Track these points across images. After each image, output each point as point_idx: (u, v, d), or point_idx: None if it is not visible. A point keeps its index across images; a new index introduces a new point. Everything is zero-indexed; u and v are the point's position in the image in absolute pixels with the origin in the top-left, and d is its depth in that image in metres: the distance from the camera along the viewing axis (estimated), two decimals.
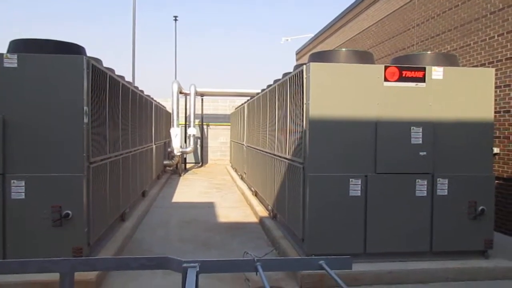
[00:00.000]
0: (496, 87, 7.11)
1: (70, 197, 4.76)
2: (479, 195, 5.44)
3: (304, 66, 5.40)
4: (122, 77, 7.80)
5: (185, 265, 2.04)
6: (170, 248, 6.31)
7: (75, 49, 5.21)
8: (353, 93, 5.22)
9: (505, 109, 7.18)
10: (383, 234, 5.27)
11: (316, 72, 5.16)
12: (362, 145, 5.24)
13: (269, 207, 8.03)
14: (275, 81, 7.96)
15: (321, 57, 5.72)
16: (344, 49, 5.93)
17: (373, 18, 12.88)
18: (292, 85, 6.06)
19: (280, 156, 6.92)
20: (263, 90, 9.42)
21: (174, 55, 27.27)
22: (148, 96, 11.32)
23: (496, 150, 7.20)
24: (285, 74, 7.09)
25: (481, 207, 5.38)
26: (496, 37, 7.49)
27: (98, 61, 6.01)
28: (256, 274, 2.10)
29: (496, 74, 7.06)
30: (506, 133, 7.17)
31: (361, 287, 4.89)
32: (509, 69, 7.15)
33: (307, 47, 20.31)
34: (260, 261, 2.08)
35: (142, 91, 10.16)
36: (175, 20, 30.68)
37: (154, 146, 11.90)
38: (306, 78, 5.30)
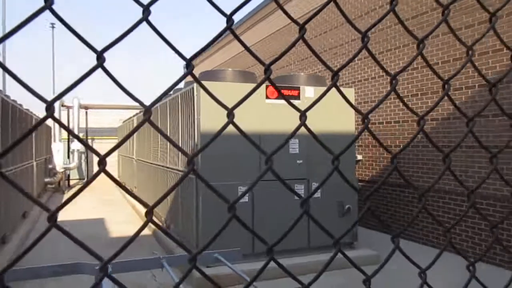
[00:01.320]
0: (357, 104, 8.39)
1: None
2: (346, 197, 6.43)
3: (194, 84, 5.84)
4: (0, 91, 7.36)
5: (98, 267, 2.31)
6: None
7: None
8: (239, 110, 5.77)
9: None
10: (269, 234, 5.90)
11: None
12: (248, 156, 5.84)
13: (163, 219, 8.22)
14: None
15: (210, 75, 6.22)
16: (230, 69, 6.52)
17: (255, 37, 13.90)
18: (184, 101, 6.44)
19: (172, 168, 7.22)
20: None
21: (52, 65, 25.52)
22: (28, 110, 10.65)
23: (359, 157, 8.46)
24: (176, 90, 7.43)
25: (347, 206, 6.36)
26: (356, 61, 8.83)
27: None
28: (162, 270, 2.45)
29: (357, 92, 8.33)
30: (367, 142, 8.47)
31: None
32: (367, 88, 8.49)
33: (195, 61, 20.79)
34: (165, 258, 2.43)
35: (21, 105, 9.57)
36: (52, 27, 28.68)
37: (34, 163, 11.17)
38: (196, 95, 5.74)
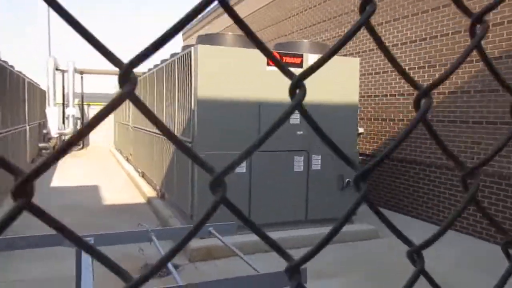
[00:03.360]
0: (361, 75, 8.09)
1: None
2: (346, 170, 6.24)
3: (192, 48, 5.53)
4: None
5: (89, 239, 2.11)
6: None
7: None
8: (238, 76, 5.52)
9: (368, 94, 8.23)
10: (265, 206, 5.76)
11: (204, 54, 5.34)
12: (247, 125, 5.60)
13: (157, 187, 8.06)
14: (162, 61, 7.93)
15: (209, 40, 5.90)
16: (230, 33, 6.19)
17: (258, 3, 13.40)
18: (180, 66, 6.14)
19: None
20: (150, 69, 9.27)
21: (48, 28, 24.79)
22: (20, 72, 10.29)
23: (361, 130, 8.23)
24: (173, 55, 7.11)
25: (347, 180, 6.19)
26: (362, 30, 8.45)
27: None
28: (150, 243, 2.25)
29: (361, 63, 8.01)
30: (369, 115, 8.23)
31: (245, 256, 5.30)
32: (372, 59, 8.18)
33: (194, 27, 20.23)
34: (154, 231, 2.24)
35: (12, 67, 9.22)
36: None
37: (28, 127, 10.91)
38: (194, 59, 5.44)
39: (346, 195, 6.23)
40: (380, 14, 7.98)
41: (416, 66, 7.09)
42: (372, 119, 8.16)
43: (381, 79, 7.93)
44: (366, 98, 8.26)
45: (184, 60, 5.88)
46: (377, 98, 8.03)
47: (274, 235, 5.64)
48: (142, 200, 8.44)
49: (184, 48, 6.36)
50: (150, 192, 8.47)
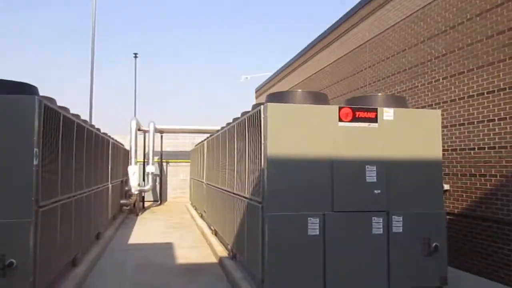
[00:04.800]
0: (443, 127, 7.51)
1: (15, 244, 4.46)
2: (432, 232, 5.61)
3: (262, 106, 5.50)
4: (77, 116, 7.62)
5: None
6: None
7: (26, 89, 5.06)
8: (309, 133, 5.34)
9: (452, 148, 7.57)
10: (341, 272, 5.28)
11: (273, 112, 5.26)
12: (319, 184, 5.31)
13: (229, 247, 7.88)
14: (234, 119, 8.04)
15: (278, 97, 5.86)
16: (299, 90, 6.11)
17: (328, 59, 13.44)
18: (250, 124, 6.13)
19: (239, 195, 6.88)
20: (222, 128, 9.47)
21: (134, 92, 27.03)
22: (105, 134, 11.06)
23: (446, 186, 7.51)
24: (243, 113, 7.17)
25: (434, 244, 5.53)
26: (441, 80, 7.98)
27: (52, 100, 5.87)
28: None
29: (442, 115, 7.47)
30: (455, 170, 7.51)
31: None
32: (454, 110, 7.59)
33: (266, 85, 20.78)
34: None
35: (98, 129, 9.94)
36: (135, 57, 30.61)
37: (110, 186, 11.52)
38: (263, 118, 5.39)
39: (433, 261, 5.55)
40: (460, 62, 7.48)
41: (508, 116, 6.41)
42: (459, 175, 7.42)
43: (466, 131, 7.27)
44: (451, 152, 7.59)
45: (254, 119, 5.86)
46: (463, 152, 7.34)
47: None
48: (213, 259, 8.29)
49: (254, 106, 6.38)
50: (222, 252, 8.30)
